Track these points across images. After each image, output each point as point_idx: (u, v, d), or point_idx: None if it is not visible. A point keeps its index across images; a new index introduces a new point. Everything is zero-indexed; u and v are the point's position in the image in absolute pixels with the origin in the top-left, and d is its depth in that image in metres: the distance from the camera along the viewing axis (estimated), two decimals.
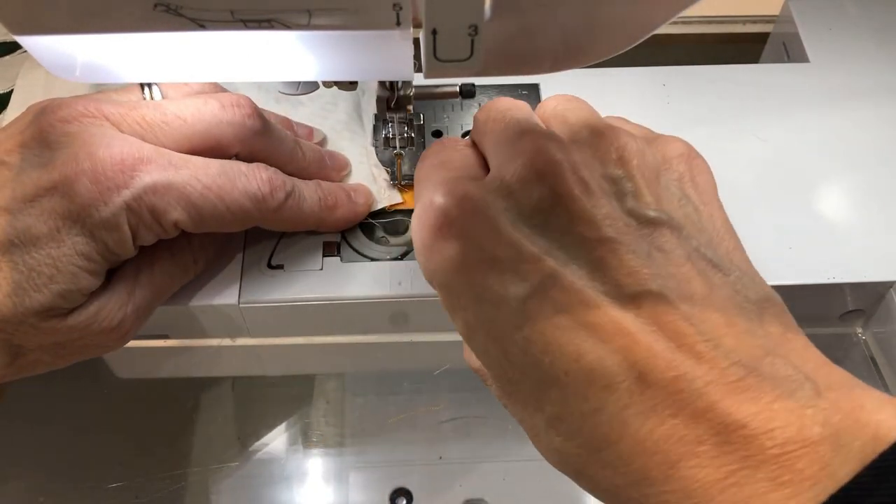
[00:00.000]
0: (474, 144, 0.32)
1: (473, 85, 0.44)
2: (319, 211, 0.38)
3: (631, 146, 0.29)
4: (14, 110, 0.45)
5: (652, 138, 0.31)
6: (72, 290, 0.31)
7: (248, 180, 0.34)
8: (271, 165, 0.36)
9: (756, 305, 0.25)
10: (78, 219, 0.30)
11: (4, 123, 0.43)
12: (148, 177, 0.31)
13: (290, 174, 0.37)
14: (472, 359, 0.29)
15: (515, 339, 0.24)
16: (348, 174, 0.42)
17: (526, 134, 0.28)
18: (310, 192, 0.37)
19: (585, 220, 0.25)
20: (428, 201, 0.28)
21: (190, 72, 0.30)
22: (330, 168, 0.41)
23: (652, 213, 0.27)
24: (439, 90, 0.43)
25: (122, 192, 0.31)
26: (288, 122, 0.42)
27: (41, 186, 0.30)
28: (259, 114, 0.36)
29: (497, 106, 0.31)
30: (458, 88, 0.43)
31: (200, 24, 0.24)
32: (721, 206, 0.30)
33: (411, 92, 0.38)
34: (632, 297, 0.24)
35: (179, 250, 0.35)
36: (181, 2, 0.23)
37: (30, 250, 0.30)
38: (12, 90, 0.48)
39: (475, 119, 0.32)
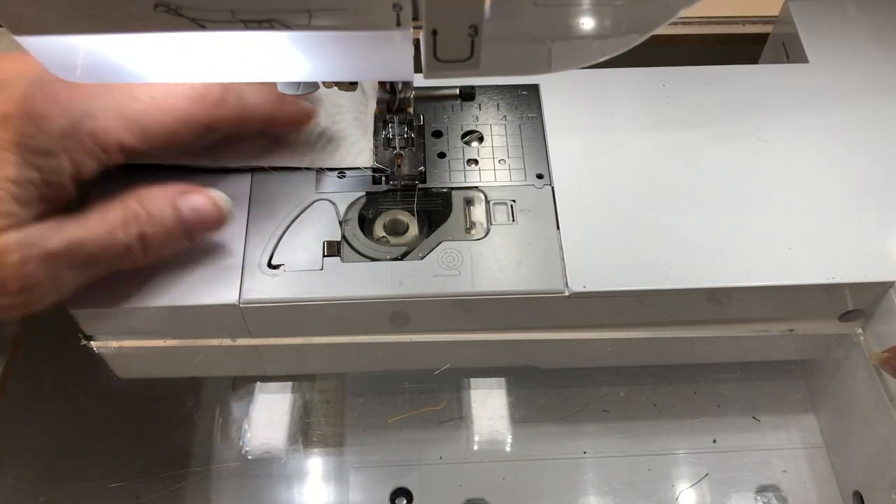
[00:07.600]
0: None
1: (473, 87, 0.45)
2: (263, 104, 0.39)
3: None
4: None
5: None
6: None
7: (182, 86, 0.36)
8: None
9: None
10: (14, 148, 0.32)
11: None
12: (83, 105, 0.33)
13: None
14: None
15: None
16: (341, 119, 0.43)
17: None
18: (249, 88, 0.38)
19: None
20: None
21: (190, 72, 0.30)
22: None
23: None
24: (439, 93, 0.44)
25: (57, 121, 0.32)
26: None
27: None
28: None
29: None
30: (457, 91, 0.44)
31: (201, 25, 0.24)
32: None
33: (411, 94, 0.38)
34: None
35: (112, 222, 0.34)
36: (181, 2, 0.23)
37: None
38: None
39: None
